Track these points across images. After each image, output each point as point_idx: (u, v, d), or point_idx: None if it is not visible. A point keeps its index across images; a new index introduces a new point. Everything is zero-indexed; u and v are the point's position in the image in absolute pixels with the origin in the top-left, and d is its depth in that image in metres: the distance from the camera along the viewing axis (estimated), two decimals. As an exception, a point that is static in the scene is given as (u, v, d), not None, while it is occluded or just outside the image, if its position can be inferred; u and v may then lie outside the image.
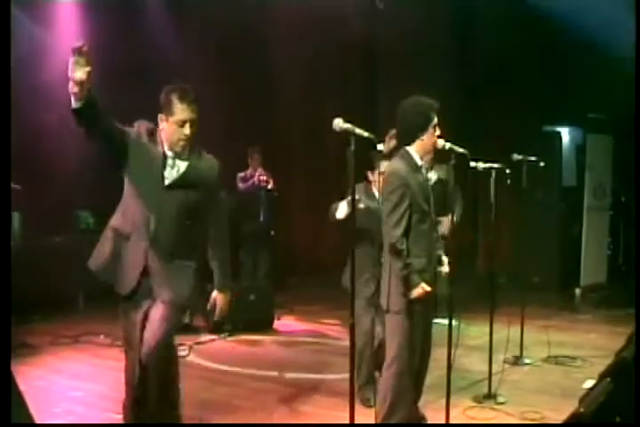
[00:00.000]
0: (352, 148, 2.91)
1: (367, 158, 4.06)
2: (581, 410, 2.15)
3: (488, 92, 8.72)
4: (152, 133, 3.23)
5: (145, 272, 3.22)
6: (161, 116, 3.19)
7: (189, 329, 6.28)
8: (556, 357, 5.54)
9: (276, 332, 6.57)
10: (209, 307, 3.42)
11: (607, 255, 8.80)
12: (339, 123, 2.93)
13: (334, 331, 6.59)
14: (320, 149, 8.89)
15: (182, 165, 3.25)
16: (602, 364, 2.88)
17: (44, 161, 7.26)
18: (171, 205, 3.22)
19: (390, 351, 3.57)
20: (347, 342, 3.02)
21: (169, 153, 3.24)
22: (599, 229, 8.62)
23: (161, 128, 3.21)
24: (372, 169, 4.22)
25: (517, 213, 5.08)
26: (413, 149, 3.60)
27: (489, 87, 8.69)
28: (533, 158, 5.44)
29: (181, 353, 5.66)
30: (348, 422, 2.98)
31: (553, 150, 8.44)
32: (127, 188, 3.28)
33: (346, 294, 3.34)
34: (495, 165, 4.65)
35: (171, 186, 3.23)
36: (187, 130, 3.15)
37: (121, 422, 3.56)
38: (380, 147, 2.98)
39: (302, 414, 4.32)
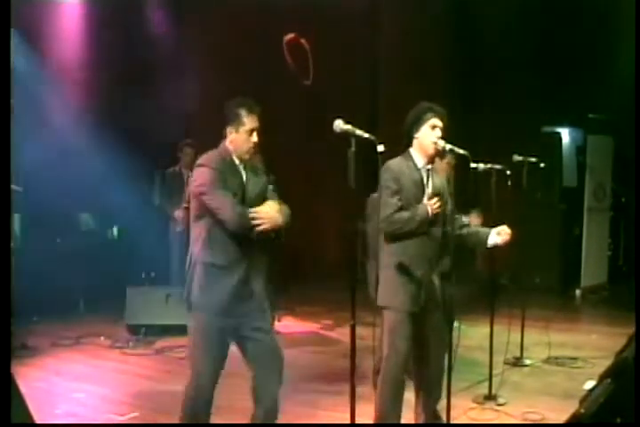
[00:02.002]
0: (353, 149, 2.92)
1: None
2: (582, 411, 2.16)
3: (488, 93, 8.72)
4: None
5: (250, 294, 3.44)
6: (230, 129, 3.43)
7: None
8: (556, 358, 5.54)
9: (276, 333, 6.54)
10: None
11: (608, 256, 8.80)
12: (339, 124, 2.94)
13: (335, 332, 6.59)
14: (321, 150, 8.88)
15: (251, 177, 3.50)
16: (602, 365, 2.88)
17: (45, 162, 7.26)
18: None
19: (384, 347, 3.61)
20: (347, 343, 3.03)
21: (239, 165, 3.46)
22: (600, 229, 8.62)
23: (230, 140, 3.45)
24: None
25: (518, 214, 5.07)
26: (415, 151, 3.67)
27: (489, 88, 8.69)
28: (534, 159, 5.44)
29: (181, 355, 5.68)
30: (348, 422, 2.99)
31: (553, 151, 8.43)
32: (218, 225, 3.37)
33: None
34: (496, 166, 4.65)
35: (256, 196, 3.45)
36: (255, 138, 3.44)
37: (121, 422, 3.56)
38: (380, 148, 2.98)
39: (302, 414, 4.33)
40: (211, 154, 3.45)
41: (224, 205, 3.27)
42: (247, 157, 3.47)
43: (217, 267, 3.35)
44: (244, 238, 3.34)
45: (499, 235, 3.76)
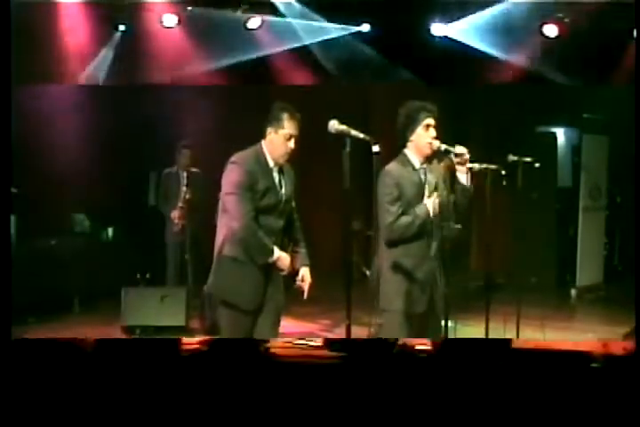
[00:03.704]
0: (347, 149, 2.92)
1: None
2: None
3: (483, 93, 8.71)
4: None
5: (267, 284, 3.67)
6: (269, 130, 3.57)
7: (185, 331, 6.28)
8: (552, 357, 5.54)
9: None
10: (297, 283, 3.81)
11: (603, 256, 8.81)
12: (334, 124, 2.94)
13: (333, 333, 6.57)
14: (317, 150, 8.86)
15: (284, 179, 3.65)
16: (598, 364, 2.90)
17: (40, 164, 7.25)
18: (285, 216, 3.67)
19: None
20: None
21: (273, 167, 3.59)
22: (595, 229, 8.62)
23: (268, 140, 3.58)
24: None
25: (513, 214, 5.09)
26: (411, 151, 3.65)
27: (484, 87, 8.67)
28: (529, 159, 5.43)
29: (178, 355, 5.67)
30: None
31: (548, 151, 8.44)
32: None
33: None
34: (491, 166, 4.64)
35: (286, 200, 3.64)
36: (292, 143, 3.56)
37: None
38: (375, 148, 2.99)
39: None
40: (245, 152, 3.57)
41: (239, 215, 3.43)
42: (282, 161, 3.59)
43: (238, 261, 3.52)
44: (267, 233, 3.49)
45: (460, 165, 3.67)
